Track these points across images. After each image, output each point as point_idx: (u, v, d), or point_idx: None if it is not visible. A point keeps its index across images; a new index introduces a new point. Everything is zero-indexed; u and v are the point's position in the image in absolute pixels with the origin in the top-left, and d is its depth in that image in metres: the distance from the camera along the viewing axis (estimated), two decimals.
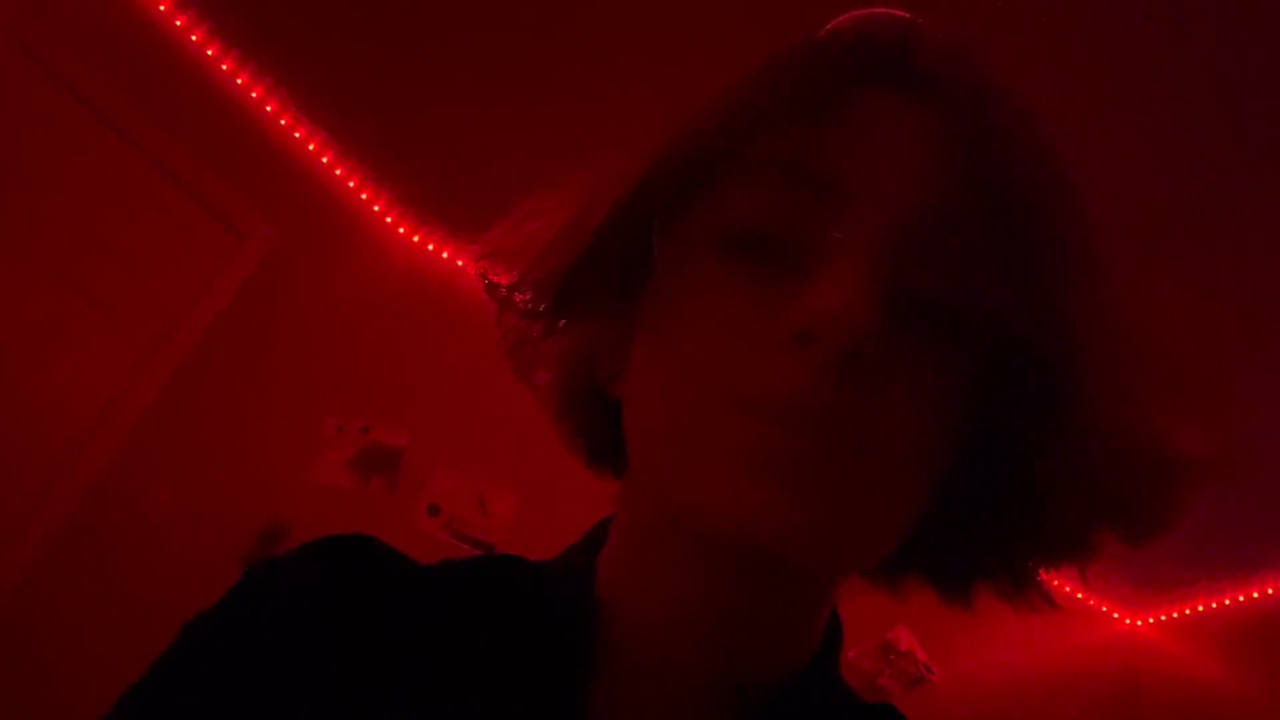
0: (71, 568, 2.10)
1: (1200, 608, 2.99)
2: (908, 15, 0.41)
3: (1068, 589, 2.74)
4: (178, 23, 2.32)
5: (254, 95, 2.45)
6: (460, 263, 2.84)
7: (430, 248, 2.83)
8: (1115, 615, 3.18)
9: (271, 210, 2.49)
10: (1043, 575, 0.42)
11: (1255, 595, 2.84)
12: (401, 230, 2.80)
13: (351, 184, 2.68)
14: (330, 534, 0.47)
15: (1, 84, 2.04)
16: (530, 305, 0.45)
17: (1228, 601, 2.92)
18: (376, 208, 2.74)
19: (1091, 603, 3.14)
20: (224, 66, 2.40)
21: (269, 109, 2.48)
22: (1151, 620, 3.14)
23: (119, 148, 2.22)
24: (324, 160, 2.61)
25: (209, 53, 2.38)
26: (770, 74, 0.39)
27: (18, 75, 2.05)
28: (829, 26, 0.42)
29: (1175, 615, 3.06)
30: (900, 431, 0.36)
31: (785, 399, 0.35)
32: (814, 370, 0.34)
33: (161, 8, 2.29)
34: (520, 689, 0.41)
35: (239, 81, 2.43)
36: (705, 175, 0.39)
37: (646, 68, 1.84)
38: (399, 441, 2.58)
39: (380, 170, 2.66)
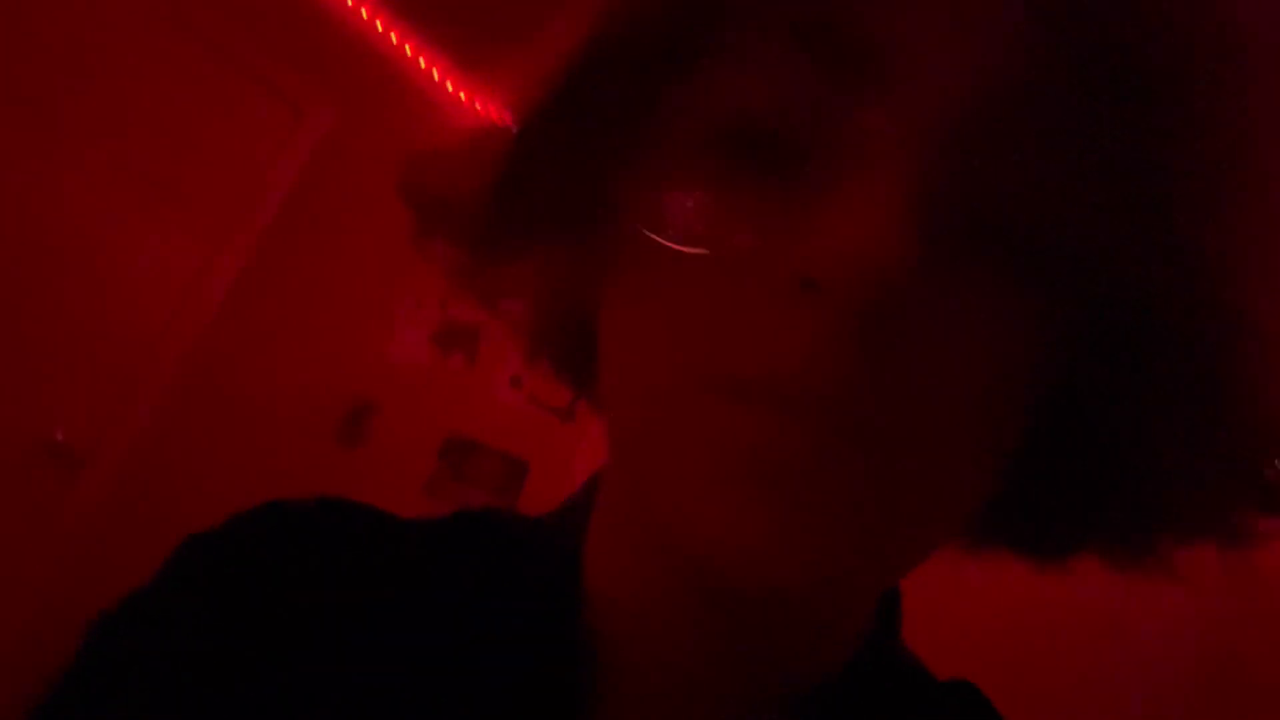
0: (165, 459, 2.16)
1: None
2: None
3: None
4: None
5: None
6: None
7: (493, 113, 2.73)
8: None
9: (329, 82, 2.41)
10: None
11: None
12: (462, 96, 2.70)
13: (408, 49, 2.58)
14: (279, 498, 0.40)
15: None
16: (478, 225, 0.34)
17: None
18: (435, 73, 2.64)
19: None
20: None
21: None
22: None
23: (169, 27, 2.14)
24: (378, 26, 2.50)
25: None
26: None
27: None
28: None
29: None
30: (948, 412, 0.26)
31: (787, 375, 0.25)
32: (827, 332, 0.25)
33: None
34: (501, 696, 0.34)
35: None
36: (695, 46, 0.28)
37: None
38: (477, 316, 2.56)
39: (436, 34, 2.55)
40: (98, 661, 0.36)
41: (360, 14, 2.47)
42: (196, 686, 0.34)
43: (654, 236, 0.28)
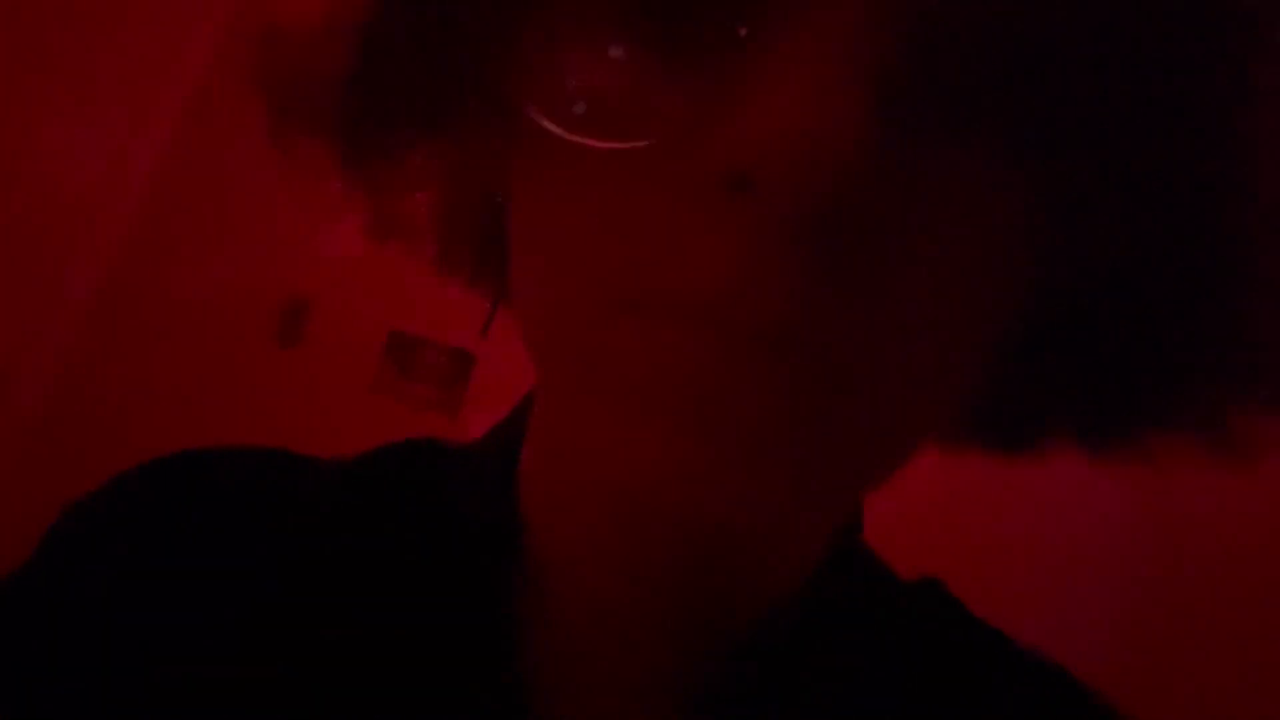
0: (96, 370, 2.09)
1: None
2: None
3: None
4: None
5: None
6: None
7: None
8: None
9: None
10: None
11: None
12: None
13: None
14: (175, 452, 0.37)
15: None
16: (344, 115, 0.30)
17: None
18: None
19: None
20: None
21: None
22: None
23: None
24: None
25: None
26: None
27: None
28: None
29: None
30: (921, 330, 0.23)
31: (714, 295, 0.21)
32: (765, 242, 0.21)
33: None
34: (433, 638, 0.32)
35: None
36: None
37: None
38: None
39: None
40: None
41: None
42: (87, 680, 0.32)
43: (546, 124, 0.23)
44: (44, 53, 1.99)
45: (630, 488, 0.23)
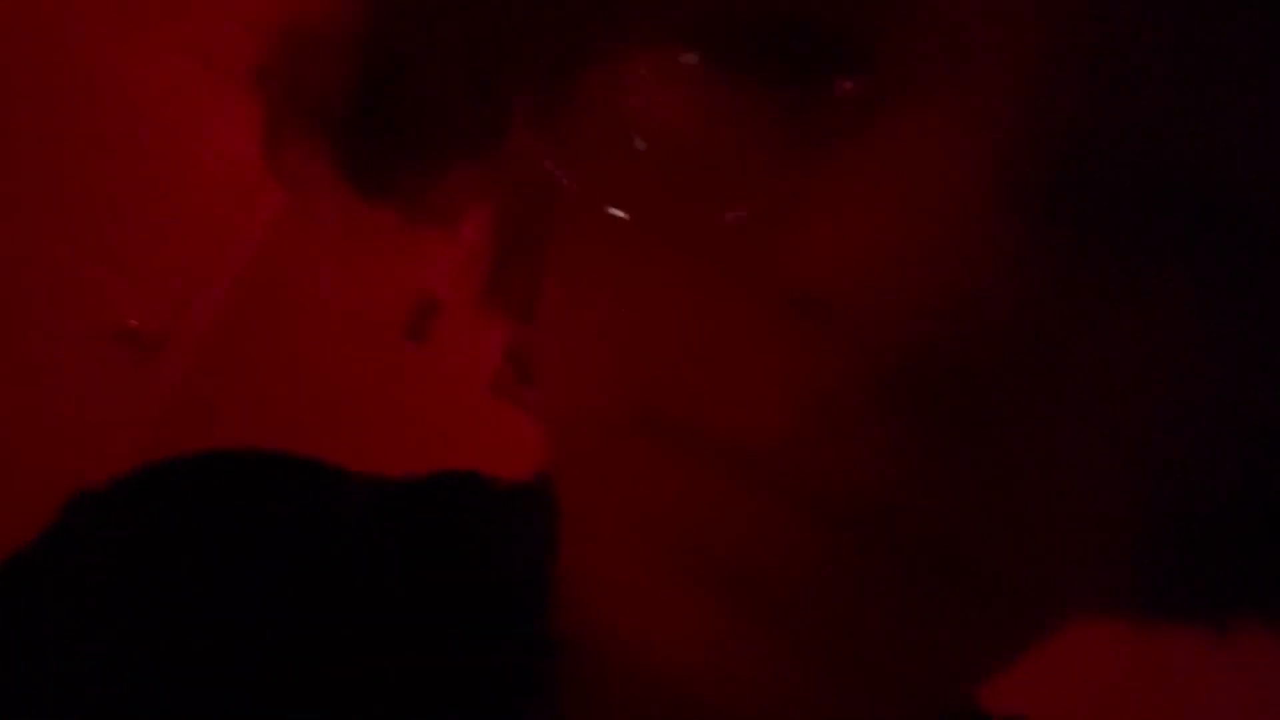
0: (237, 349, 2.19)
1: None
2: None
3: None
4: None
5: None
6: None
7: None
8: None
9: None
10: None
11: None
12: None
13: None
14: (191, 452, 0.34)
15: None
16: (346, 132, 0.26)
17: None
18: None
19: None
20: None
21: None
22: None
23: None
24: None
25: None
26: None
27: None
28: None
29: None
30: (1051, 510, 0.16)
31: (771, 445, 0.15)
32: (834, 386, 0.15)
33: None
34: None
35: None
36: None
37: None
38: None
39: None
40: None
41: None
42: (87, 668, 0.29)
43: (589, 193, 0.18)
44: (215, 51, 2.10)
45: (657, 666, 0.17)
